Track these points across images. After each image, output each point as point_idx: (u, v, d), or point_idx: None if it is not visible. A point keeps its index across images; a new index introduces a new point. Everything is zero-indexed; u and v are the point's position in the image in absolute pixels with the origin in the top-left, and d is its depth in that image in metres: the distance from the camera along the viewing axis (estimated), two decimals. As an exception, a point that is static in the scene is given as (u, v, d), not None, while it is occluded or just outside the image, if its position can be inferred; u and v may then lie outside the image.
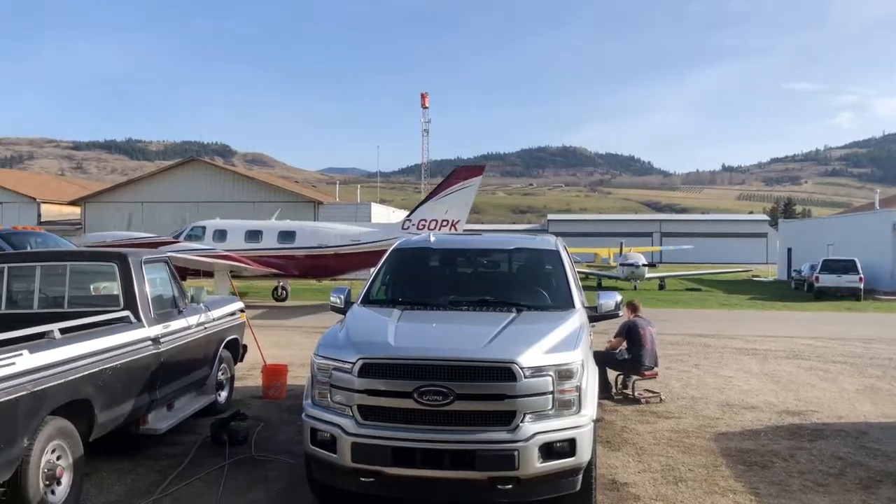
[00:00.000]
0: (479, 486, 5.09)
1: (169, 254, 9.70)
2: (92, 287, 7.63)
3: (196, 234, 25.47)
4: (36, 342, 5.42)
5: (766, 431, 8.37)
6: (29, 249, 12.15)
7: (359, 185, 66.54)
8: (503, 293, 6.79)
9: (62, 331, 5.72)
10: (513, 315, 6.05)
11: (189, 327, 7.75)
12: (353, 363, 5.25)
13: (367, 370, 5.22)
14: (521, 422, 5.06)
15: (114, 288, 7.10)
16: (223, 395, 8.97)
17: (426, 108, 66.56)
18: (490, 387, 5.09)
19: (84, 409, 5.78)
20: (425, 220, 24.75)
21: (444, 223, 24.36)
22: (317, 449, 5.40)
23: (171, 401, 7.57)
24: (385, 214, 44.90)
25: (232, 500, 5.98)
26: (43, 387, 5.16)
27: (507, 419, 5.07)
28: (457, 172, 25.56)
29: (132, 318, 6.81)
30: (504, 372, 5.08)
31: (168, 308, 7.52)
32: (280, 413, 8.99)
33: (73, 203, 45.22)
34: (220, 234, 25.63)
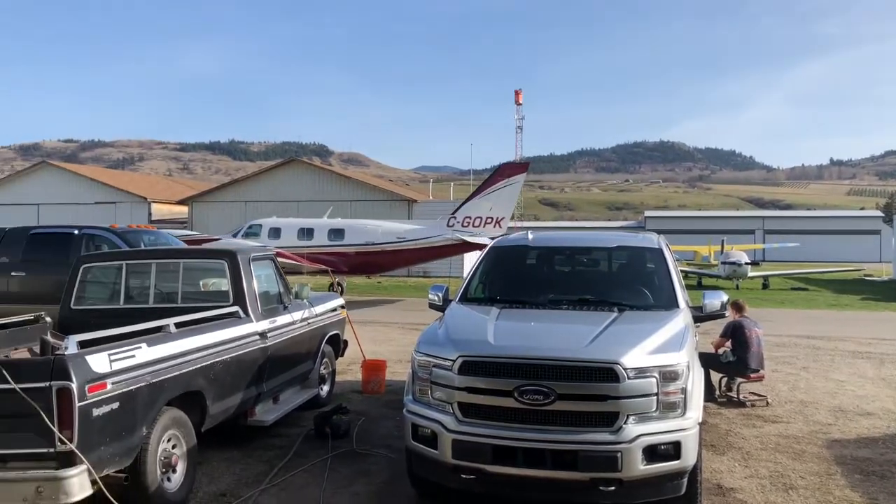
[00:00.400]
0: (580, 486, 5.04)
1: None
2: (202, 283, 7.96)
3: (254, 232, 26.63)
4: (153, 336, 5.70)
5: (885, 440, 7.92)
6: (142, 247, 12.79)
7: (452, 183, 66.81)
8: (604, 292, 6.69)
9: (177, 325, 6.00)
10: (615, 315, 5.95)
11: (293, 323, 7.98)
12: (454, 361, 5.29)
13: (468, 368, 5.25)
14: (625, 423, 4.97)
15: (223, 284, 7.39)
16: (325, 389, 9.20)
17: (520, 104, 66.14)
18: (592, 387, 5.02)
19: (197, 401, 6.04)
20: (469, 218, 24.67)
21: (489, 220, 24.21)
22: (418, 444, 5.48)
23: (277, 394, 7.82)
24: (479, 212, 44.98)
25: (335, 492, 6.12)
26: (160, 378, 5.42)
27: (609, 420, 5.00)
28: (501, 170, 25.38)
29: (241, 314, 7.07)
30: (607, 372, 5.01)
31: (274, 304, 7.76)
32: (379, 408, 9.14)
33: (181, 202, 47.32)
34: (275, 232, 26.57)
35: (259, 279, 7.57)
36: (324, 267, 24.86)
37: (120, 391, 4.96)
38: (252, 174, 49.01)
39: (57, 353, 4.75)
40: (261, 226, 27.17)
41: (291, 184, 43.65)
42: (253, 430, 7.48)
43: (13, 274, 12.69)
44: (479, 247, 27.06)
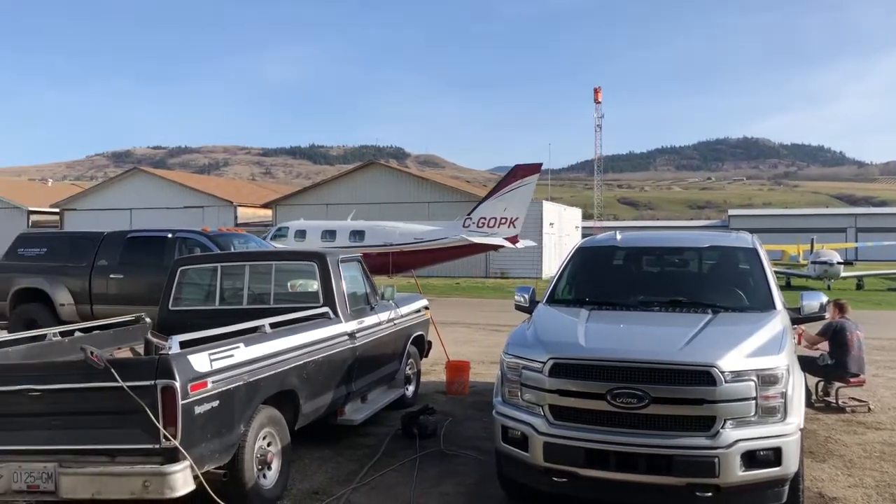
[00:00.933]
0: (676, 492, 4.93)
1: None
2: (289, 284, 8.14)
3: (282, 234, 27.84)
4: (249, 336, 5.86)
5: None
6: (232, 250, 13.18)
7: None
8: (697, 293, 6.52)
9: (271, 325, 6.15)
10: (709, 316, 5.79)
11: (380, 323, 8.08)
12: (544, 363, 5.25)
13: (558, 370, 5.20)
14: (722, 428, 4.84)
15: (314, 285, 7.55)
16: (410, 389, 9.28)
17: (599, 102, 65.34)
18: (688, 391, 4.91)
19: (290, 400, 6.18)
20: (485, 218, 24.92)
21: (503, 221, 24.43)
22: (508, 446, 5.46)
23: (365, 393, 7.93)
24: (557, 212, 44.64)
25: (425, 493, 6.16)
26: (256, 377, 5.56)
27: (706, 424, 4.87)
28: (515, 171, 25.42)
29: (331, 314, 7.20)
30: (703, 376, 4.89)
31: (362, 304, 7.88)
32: (464, 409, 9.16)
33: (265, 206, 48.62)
34: (301, 234, 27.72)
35: (347, 280, 7.71)
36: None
37: (220, 390, 5.11)
38: (332, 178, 49.95)
39: (161, 352, 4.93)
40: (288, 228, 28.51)
41: (370, 186, 44.29)
42: (342, 428, 7.61)
43: (111, 276, 13.24)
44: (489, 247, 27.31)
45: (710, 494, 4.86)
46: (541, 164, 27.18)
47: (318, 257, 7.58)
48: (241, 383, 5.36)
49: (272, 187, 72.63)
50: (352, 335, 7.32)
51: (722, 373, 4.87)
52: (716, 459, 4.78)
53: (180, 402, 4.72)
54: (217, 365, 5.16)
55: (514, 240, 26.45)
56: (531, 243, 31.98)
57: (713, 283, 6.91)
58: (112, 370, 4.70)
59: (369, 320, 7.84)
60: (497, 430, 5.58)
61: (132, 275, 13.06)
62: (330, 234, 27.75)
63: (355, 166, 51.36)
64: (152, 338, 6.47)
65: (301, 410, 6.32)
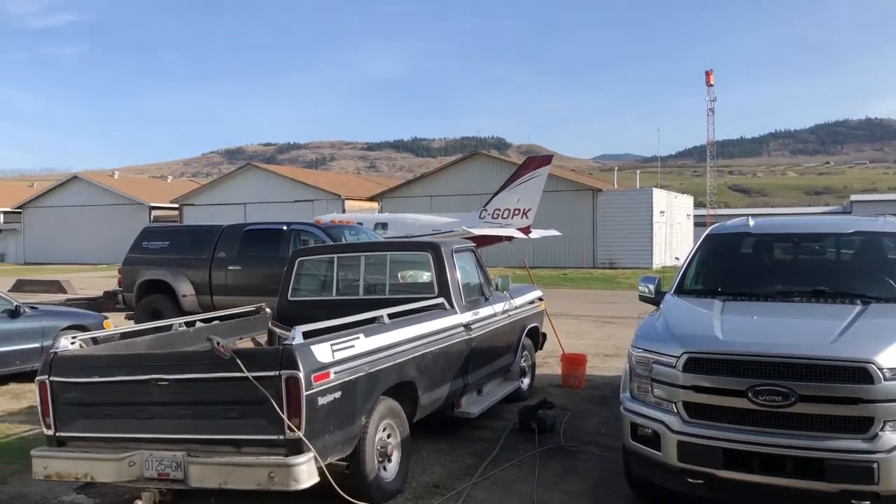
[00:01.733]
0: (827, 498, 4.53)
1: None
2: (400, 275, 8.08)
3: None
4: (368, 326, 5.80)
5: None
6: (344, 241, 13.32)
7: (637, 171, 64.77)
8: (842, 283, 6.00)
9: (389, 316, 6.08)
10: (858, 308, 5.31)
11: (495, 314, 7.91)
12: (678, 357, 4.94)
13: (694, 365, 4.87)
14: (881, 430, 4.40)
15: (428, 276, 7.45)
16: (525, 382, 9.08)
17: (711, 85, 62.74)
18: (841, 389, 4.49)
19: (409, 391, 6.09)
20: (499, 210, 25.35)
21: (517, 212, 24.86)
22: (637, 445, 5.17)
23: (481, 386, 7.79)
24: (667, 200, 43.31)
25: (547, 490, 5.95)
26: (377, 368, 5.50)
27: (862, 426, 4.45)
28: (527, 163, 26.04)
29: (446, 305, 7.08)
30: (858, 372, 4.46)
31: (476, 295, 7.73)
32: (582, 403, 8.89)
33: (372, 199, 49.41)
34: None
35: (461, 271, 7.57)
36: None
37: (342, 381, 5.06)
38: (437, 169, 50.19)
39: (285, 342, 4.91)
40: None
41: (474, 177, 44.23)
42: (459, 421, 7.49)
43: (230, 268, 13.65)
44: (500, 239, 27.11)
45: (867, 503, 4.44)
46: (552, 156, 27.79)
47: (432, 247, 7.47)
48: (362, 374, 5.30)
49: (377, 180, 73.80)
50: (467, 326, 7.18)
51: (881, 370, 4.43)
52: (875, 465, 4.36)
53: (304, 394, 4.69)
54: (339, 356, 5.11)
55: (527, 230, 26.88)
56: (555, 232, 31.99)
57: (860, 272, 6.35)
58: (237, 360, 4.72)
59: (484, 311, 7.68)
60: (626, 428, 5.30)
61: (249, 266, 13.42)
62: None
63: (459, 157, 51.43)
64: (275, 328, 6.53)
65: (419, 402, 6.22)
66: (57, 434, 5.22)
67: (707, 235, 7.00)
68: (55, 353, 5.34)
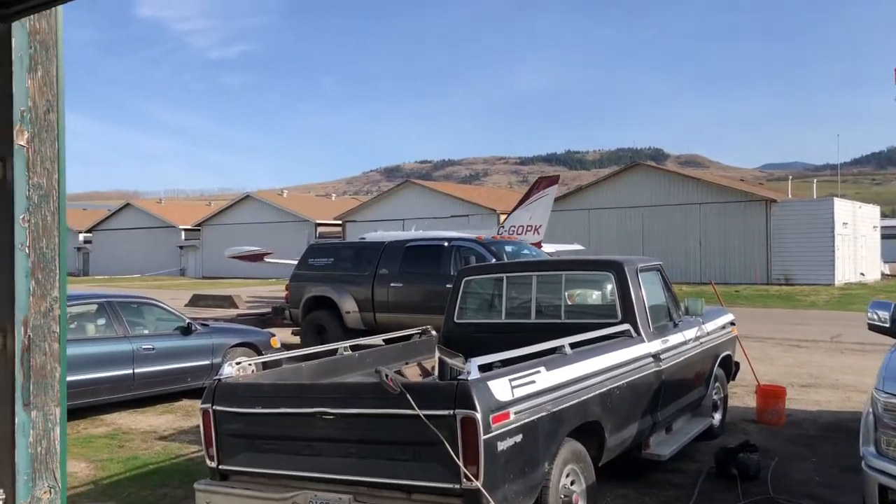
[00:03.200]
0: None
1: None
2: (567, 294, 7.32)
3: None
4: (549, 358, 5.13)
5: None
6: (505, 258, 12.75)
7: (814, 180, 59.95)
8: None
9: (570, 346, 5.37)
10: None
11: (686, 342, 7.00)
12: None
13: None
14: None
15: (610, 298, 6.68)
16: (717, 417, 8.04)
17: (899, 85, 57.08)
18: None
19: (594, 432, 5.36)
20: (514, 226, 26.07)
21: (529, 228, 25.94)
22: (890, 513, 4.17)
23: (670, 423, 6.89)
24: (850, 210, 39.65)
25: (762, 555, 5.00)
26: (560, 407, 4.81)
27: None
28: (538, 183, 27.48)
29: (632, 332, 6.28)
30: None
31: (664, 321, 6.87)
32: (785, 444, 7.73)
33: (526, 213, 48.71)
34: None
35: (648, 292, 6.73)
36: None
37: (522, 421, 4.42)
38: (594, 182, 48.72)
39: (459, 377, 4.33)
40: (364, 239, 29.75)
41: (633, 189, 42.45)
42: (644, 464, 6.62)
43: (392, 285, 13.44)
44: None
45: None
46: (558, 177, 29.44)
47: (615, 266, 6.68)
48: (544, 414, 4.64)
49: (532, 194, 73.05)
50: (656, 356, 6.33)
51: None
52: None
53: (482, 437, 4.09)
54: (519, 393, 4.48)
55: (538, 245, 26.52)
56: (578, 247, 32.08)
57: None
58: (408, 396, 4.19)
59: (673, 339, 6.79)
60: (871, 490, 4.33)
61: (411, 283, 13.15)
62: None
63: (618, 169, 49.71)
64: (445, 357, 6.00)
65: (606, 444, 5.46)
66: (220, 467, 4.93)
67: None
68: (218, 380, 5.07)
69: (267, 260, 32.70)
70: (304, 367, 5.99)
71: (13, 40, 2.71)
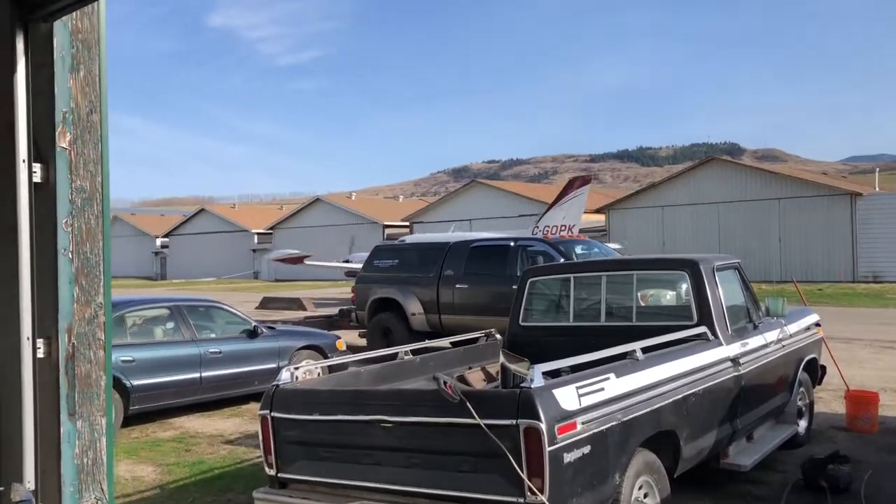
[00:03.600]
0: None
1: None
2: (640, 295, 6.99)
3: None
4: (619, 363, 4.85)
5: None
6: (575, 258, 12.42)
7: (901, 172, 57.03)
8: None
9: (643, 350, 5.08)
10: None
11: (767, 345, 6.58)
12: None
13: None
14: None
15: (685, 299, 6.34)
16: (802, 425, 7.56)
17: None
18: None
19: (669, 441, 5.05)
20: (548, 226, 25.80)
21: (563, 228, 25.83)
22: None
23: (751, 431, 6.50)
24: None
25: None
26: (631, 416, 4.53)
27: None
28: (571, 183, 27.67)
29: (709, 335, 5.92)
30: None
31: (743, 322, 6.47)
32: (878, 453, 7.21)
33: (597, 211, 47.91)
34: None
35: (725, 292, 6.35)
36: None
37: (591, 432, 4.17)
38: (667, 178, 47.53)
39: (522, 385, 4.11)
40: (404, 240, 30.09)
41: (709, 185, 41.16)
42: (724, 474, 6.25)
43: (457, 286, 13.27)
44: None
45: None
46: (591, 177, 29.53)
47: (690, 265, 6.31)
48: (614, 423, 4.37)
49: (602, 192, 71.95)
50: (735, 361, 5.95)
51: None
52: None
53: (547, 448, 3.86)
54: (586, 401, 4.23)
55: None
56: (617, 246, 30.20)
57: None
58: (468, 404, 4.00)
59: (753, 342, 6.39)
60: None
61: (476, 285, 12.96)
62: None
63: (693, 164, 48.26)
64: (509, 363, 5.77)
65: (682, 454, 5.14)
66: (279, 475, 4.84)
67: None
68: (277, 385, 4.99)
69: (307, 262, 33.15)
70: (363, 371, 5.87)
71: (55, 39, 2.63)
